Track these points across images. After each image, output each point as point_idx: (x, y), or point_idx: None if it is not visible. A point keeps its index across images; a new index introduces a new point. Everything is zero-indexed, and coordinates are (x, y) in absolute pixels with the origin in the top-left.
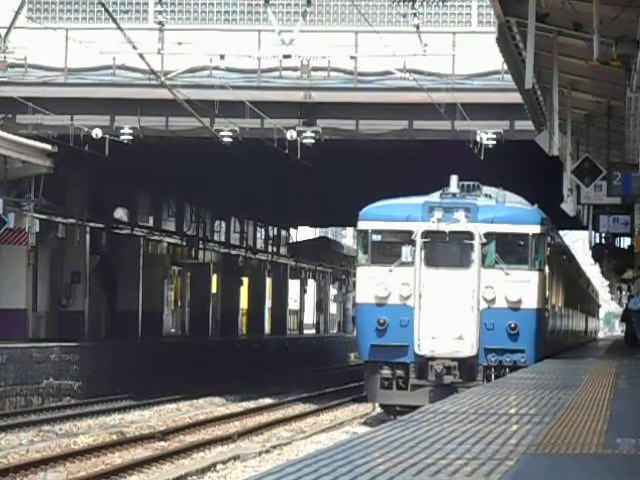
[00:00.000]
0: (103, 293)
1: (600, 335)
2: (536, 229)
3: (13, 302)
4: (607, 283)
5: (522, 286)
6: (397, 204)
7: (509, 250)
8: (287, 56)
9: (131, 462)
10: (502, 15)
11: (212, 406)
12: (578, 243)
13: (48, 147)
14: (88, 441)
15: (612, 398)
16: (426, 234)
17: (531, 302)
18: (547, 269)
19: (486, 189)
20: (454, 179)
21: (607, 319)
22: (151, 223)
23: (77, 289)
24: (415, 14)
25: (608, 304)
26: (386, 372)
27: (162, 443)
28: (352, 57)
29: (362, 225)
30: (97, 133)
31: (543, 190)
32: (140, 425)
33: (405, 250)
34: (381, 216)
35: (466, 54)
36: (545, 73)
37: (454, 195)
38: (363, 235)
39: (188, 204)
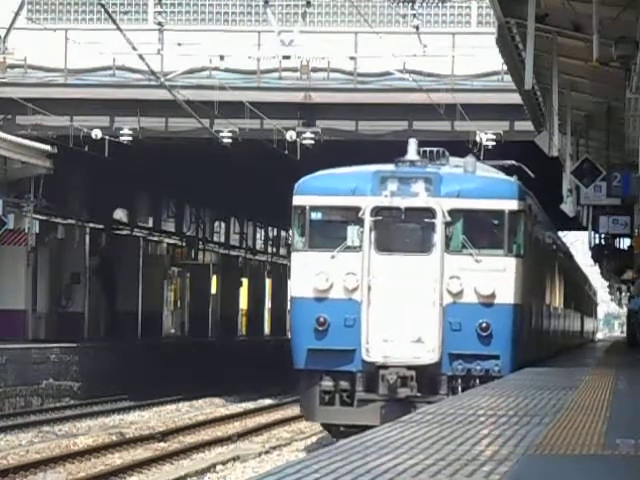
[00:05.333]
0: (103, 294)
1: (599, 336)
2: (514, 205)
3: (13, 303)
4: (607, 284)
5: (496, 276)
6: (341, 174)
7: (480, 231)
8: (287, 57)
9: (131, 463)
10: (502, 16)
11: (212, 407)
12: (578, 244)
13: (48, 148)
14: (88, 442)
15: (612, 399)
16: (377, 211)
17: (507, 296)
18: (529, 255)
19: (455, 160)
20: (413, 143)
21: (607, 320)
22: (151, 224)
23: (77, 290)
24: (415, 15)
25: (608, 305)
26: (327, 383)
27: (162, 444)
28: (352, 58)
29: (298, 200)
30: (97, 134)
31: (542, 191)
32: (140, 426)
33: (351, 231)
34: (321, 189)
35: (466, 55)
36: (545, 74)
37: (412, 163)
38: (299, 213)
39: (188, 205)
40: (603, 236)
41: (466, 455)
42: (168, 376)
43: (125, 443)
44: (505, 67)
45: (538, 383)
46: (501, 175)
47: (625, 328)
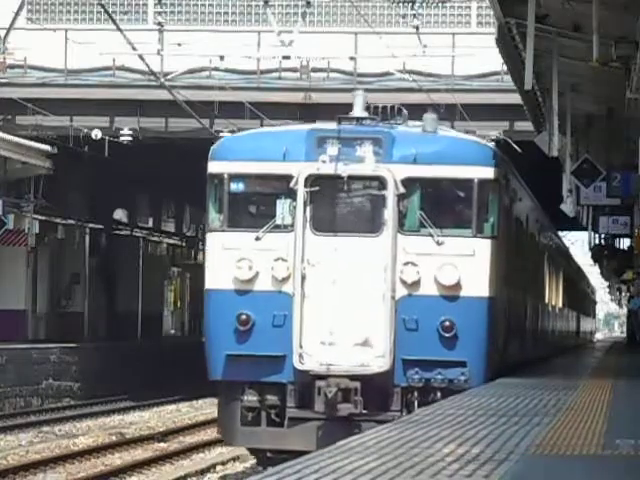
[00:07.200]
0: (103, 294)
1: (599, 336)
2: (485, 172)
3: (13, 303)
4: (607, 284)
5: (463, 262)
6: (269, 133)
7: (442, 205)
8: (287, 57)
9: (131, 463)
10: (502, 16)
11: (212, 407)
12: (578, 244)
13: (48, 148)
14: (88, 442)
15: (611, 399)
16: (312, 180)
17: (477, 287)
18: (505, 237)
19: (415, 123)
20: (360, 96)
21: (607, 320)
22: (150, 224)
23: (77, 290)
24: (415, 15)
25: (608, 305)
26: (250, 398)
27: (162, 444)
28: (352, 58)
29: (214, 167)
30: (97, 134)
31: (542, 191)
32: (140, 426)
33: (281, 206)
34: (244, 153)
35: (466, 55)
36: (545, 74)
37: (358, 121)
38: (216, 183)
39: (187, 205)
40: (603, 236)
41: (466, 455)
42: (168, 376)
43: (125, 443)
44: (505, 67)
45: (537, 383)
46: (469, 136)
47: (625, 328)
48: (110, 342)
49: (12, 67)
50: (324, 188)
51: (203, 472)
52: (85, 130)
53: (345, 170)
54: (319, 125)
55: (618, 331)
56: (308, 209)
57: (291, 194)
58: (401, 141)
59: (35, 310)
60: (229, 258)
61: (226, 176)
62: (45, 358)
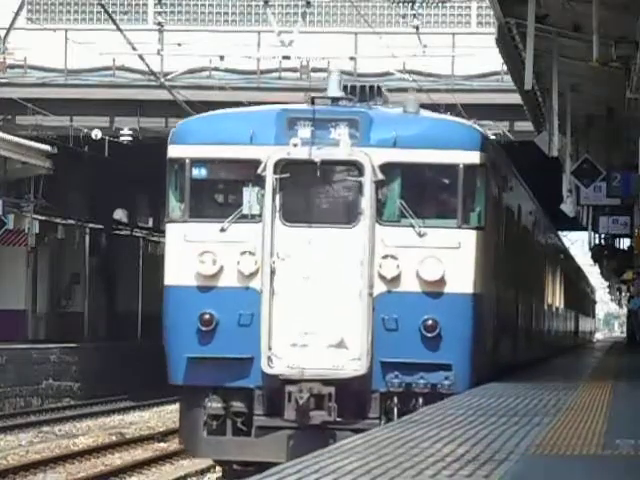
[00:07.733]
0: (102, 294)
1: (599, 336)
2: (471, 157)
3: (13, 303)
4: (607, 284)
5: (447, 255)
6: (236, 114)
7: (425, 193)
8: (287, 57)
9: (131, 463)
10: (502, 16)
11: None
12: (578, 244)
13: (48, 148)
14: (88, 442)
15: (611, 400)
16: (283, 166)
17: (463, 283)
18: (493, 229)
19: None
20: (335, 74)
21: (607, 320)
22: (150, 224)
23: (76, 290)
24: (415, 15)
25: (608, 305)
26: (214, 405)
27: (162, 444)
28: (352, 58)
29: (175, 151)
30: (97, 134)
31: (543, 191)
32: (140, 426)
33: (248, 194)
34: (207, 135)
35: (466, 55)
36: (545, 74)
37: (334, 101)
38: (177, 168)
39: None
40: (603, 236)
41: (466, 455)
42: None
43: (125, 443)
44: (505, 67)
45: (536, 384)
46: (454, 118)
47: (625, 328)
48: (110, 342)
49: (12, 67)
50: (295, 174)
51: (203, 472)
52: (85, 130)
53: (318, 154)
54: (290, 105)
55: (618, 331)
56: (278, 197)
57: (259, 181)
58: (379, 123)
59: (35, 310)
60: (191, 251)
61: (187, 161)
62: (45, 358)
